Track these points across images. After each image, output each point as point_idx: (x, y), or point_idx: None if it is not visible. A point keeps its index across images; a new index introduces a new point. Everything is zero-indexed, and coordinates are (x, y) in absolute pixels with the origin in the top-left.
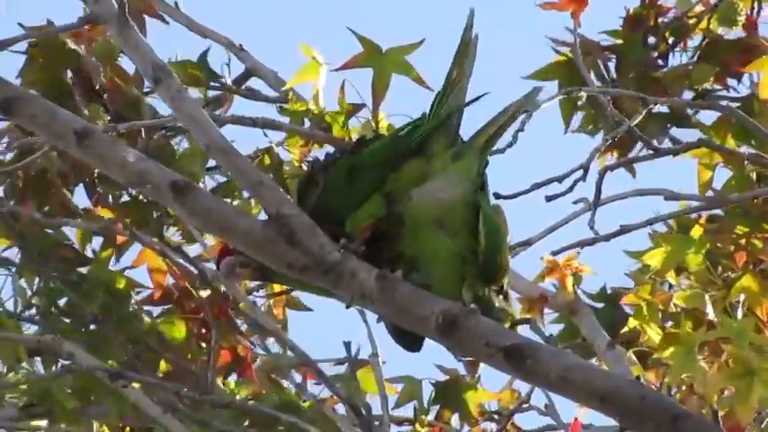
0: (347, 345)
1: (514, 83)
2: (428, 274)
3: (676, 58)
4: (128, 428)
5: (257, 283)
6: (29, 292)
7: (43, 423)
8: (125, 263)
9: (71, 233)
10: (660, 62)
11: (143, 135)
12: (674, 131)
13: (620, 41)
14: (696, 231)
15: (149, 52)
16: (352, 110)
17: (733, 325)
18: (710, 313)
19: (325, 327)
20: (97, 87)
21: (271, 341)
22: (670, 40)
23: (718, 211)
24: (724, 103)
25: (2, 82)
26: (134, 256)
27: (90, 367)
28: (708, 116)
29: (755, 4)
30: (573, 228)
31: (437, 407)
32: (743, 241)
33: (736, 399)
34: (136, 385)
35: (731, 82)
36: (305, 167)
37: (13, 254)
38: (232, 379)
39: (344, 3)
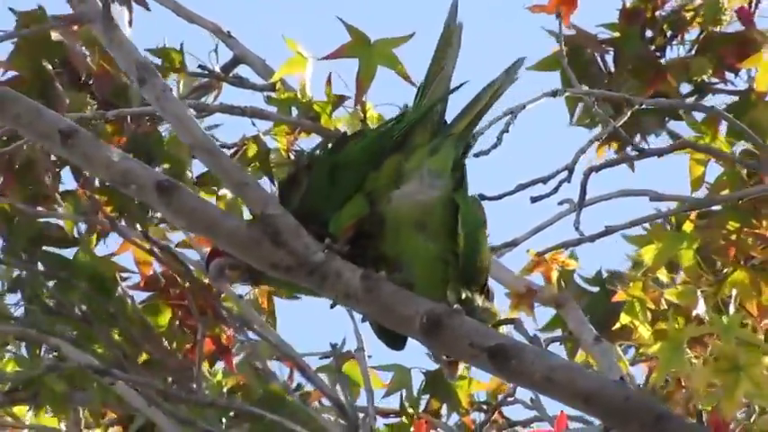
0: (333, 346)
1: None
2: (411, 274)
3: (674, 51)
4: (109, 415)
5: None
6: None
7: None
8: (111, 246)
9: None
10: (658, 55)
11: (129, 121)
12: (672, 124)
13: (617, 34)
14: (687, 227)
15: (134, 51)
16: (339, 100)
17: (720, 320)
18: (701, 309)
19: (312, 318)
20: (83, 77)
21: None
22: (668, 33)
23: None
24: (717, 101)
25: None
26: (119, 240)
27: (76, 364)
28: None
29: None
30: (558, 228)
31: (427, 396)
32: (734, 237)
33: (722, 395)
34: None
35: (729, 75)
36: (292, 157)
37: None
38: (219, 367)
39: None
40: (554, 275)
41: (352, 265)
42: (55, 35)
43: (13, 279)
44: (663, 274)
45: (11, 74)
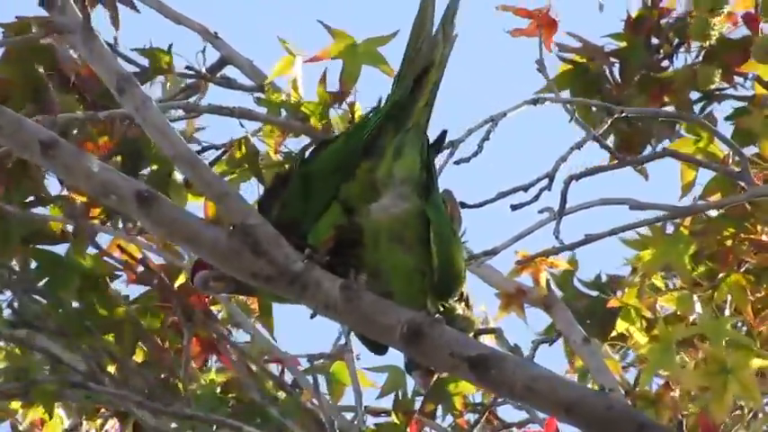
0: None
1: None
2: (390, 284)
3: (681, 59)
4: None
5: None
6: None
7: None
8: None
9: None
10: (666, 63)
11: (119, 123)
12: None
13: (623, 44)
14: (682, 233)
15: (113, 62)
16: (332, 100)
17: (710, 322)
18: (697, 315)
19: (301, 319)
20: (73, 79)
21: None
22: (674, 42)
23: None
24: (726, 107)
25: None
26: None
27: (57, 377)
28: (718, 114)
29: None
30: (538, 237)
31: (420, 398)
32: (728, 242)
33: (711, 397)
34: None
35: (738, 80)
36: (280, 158)
37: None
38: (213, 365)
39: None
40: (543, 277)
41: (331, 275)
42: (43, 39)
43: (3, 279)
44: (658, 280)
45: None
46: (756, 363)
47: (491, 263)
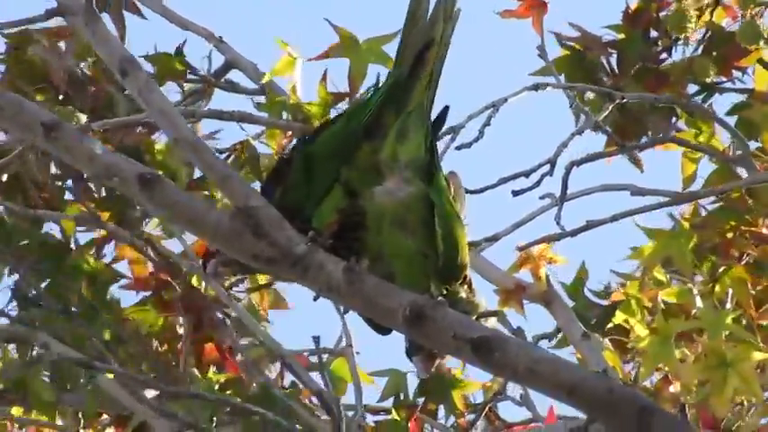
0: (316, 339)
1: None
2: (393, 268)
3: (680, 52)
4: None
5: (237, 278)
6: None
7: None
8: (108, 256)
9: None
10: (664, 56)
11: (116, 132)
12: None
13: (621, 36)
14: (683, 225)
15: (117, 45)
16: (334, 100)
17: (710, 316)
18: (697, 306)
19: (303, 316)
20: (67, 90)
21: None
22: (672, 34)
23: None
24: (725, 100)
25: None
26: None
27: (61, 355)
28: (718, 107)
29: None
30: (540, 223)
31: (422, 399)
32: (729, 235)
33: (711, 390)
34: (110, 375)
35: (737, 74)
36: None
37: None
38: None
39: None
40: (542, 272)
41: (335, 257)
42: (38, 55)
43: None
44: (660, 274)
45: None
46: (757, 356)
47: (485, 254)
